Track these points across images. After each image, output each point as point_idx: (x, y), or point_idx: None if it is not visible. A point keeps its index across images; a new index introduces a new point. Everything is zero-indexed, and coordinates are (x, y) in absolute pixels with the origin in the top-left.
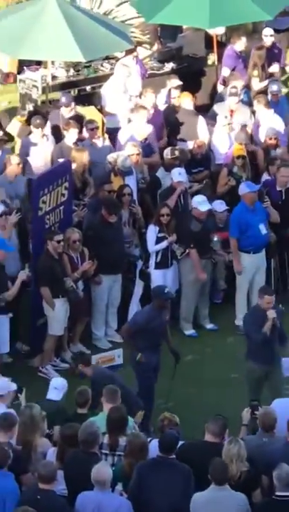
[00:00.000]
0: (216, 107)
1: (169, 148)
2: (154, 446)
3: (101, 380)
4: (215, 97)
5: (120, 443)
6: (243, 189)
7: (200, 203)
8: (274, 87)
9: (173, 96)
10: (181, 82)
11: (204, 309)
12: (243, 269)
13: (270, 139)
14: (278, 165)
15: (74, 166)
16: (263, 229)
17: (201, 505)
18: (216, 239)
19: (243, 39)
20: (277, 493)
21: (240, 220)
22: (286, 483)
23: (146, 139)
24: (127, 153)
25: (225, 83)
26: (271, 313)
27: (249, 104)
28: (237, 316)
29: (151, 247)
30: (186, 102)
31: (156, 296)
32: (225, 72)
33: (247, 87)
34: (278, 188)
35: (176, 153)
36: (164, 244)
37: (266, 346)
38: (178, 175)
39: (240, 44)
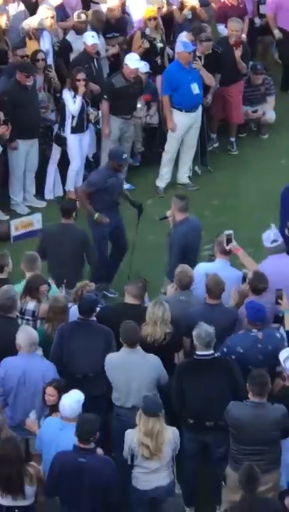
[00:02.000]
0: None
1: (78, 12)
2: (74, 311)
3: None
4: None
5: (28, 307)
6: (178, 47)
7: (130, 60)
8: None
9: None
10: None
11: None
12: (175, 126)
13: None
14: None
15: None
16: (195, 88)
17: (114, 366)
18: (139, 105)
19: None
20: (198, 353)
21: (172, 77)
22: (205, 342)
23: (61, 4)
24: (41, 16)
25: None
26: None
27: None
28: (160, 175)
29: (72, 109)
30: None
31: (112, 158)
32: None
33: None
34: (198, 54)
35: (83, 16)
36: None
37: None
38: (91, 38)
39: None
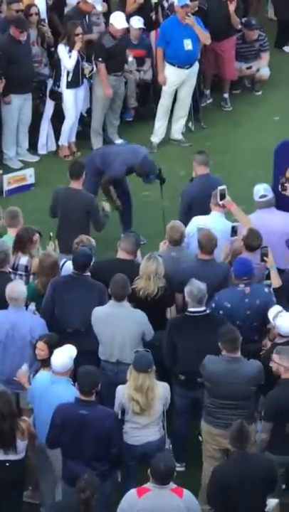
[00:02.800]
0: None
1: None
2: (68, 267)
3: None
4: None
5: (21, 262)
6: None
7: (115, 19)
8: None
9: None
10: None
11: (114, 122)
12: (165, 80)
13: None
14: None
15: None
16: (188, 44)
17: (99, 319)
18: (130, 59)
19: None
20: (190, 309)
21: (166, 30)
22: (197, 299)
23: None
24: None
25: None
26: None
27: None
28: (154, 130)
29: (68, 64)
30: None
31: (143, 168)
32: None
33: None
34: None
35: None
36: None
37: None
38: None
39: None
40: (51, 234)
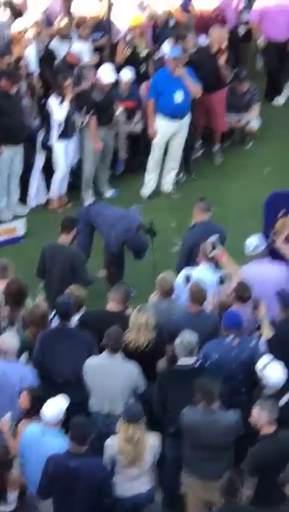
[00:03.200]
0: None
1: (60, 17)
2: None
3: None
4: None
5: (19, 315)
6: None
7: (102, 73)
8: None
9: None
10: None
11: (104, 175)
12: (155, 133)
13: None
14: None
15: None
16: (178, 97)
17: (91, 370)
18: (119, 111)
19: None
20: (180, 361)
21: (156, 82)
22: (187, 351)
23: (45, 12)
24: (28, 24)
25: None
26: None
27: None
28: (144, 182)
29: (59, 116)
30: None
31: (133, 246)
32: None
33: None
34: None
35: (64, 23)
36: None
37: None
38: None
39: None
40: (41, 285)
